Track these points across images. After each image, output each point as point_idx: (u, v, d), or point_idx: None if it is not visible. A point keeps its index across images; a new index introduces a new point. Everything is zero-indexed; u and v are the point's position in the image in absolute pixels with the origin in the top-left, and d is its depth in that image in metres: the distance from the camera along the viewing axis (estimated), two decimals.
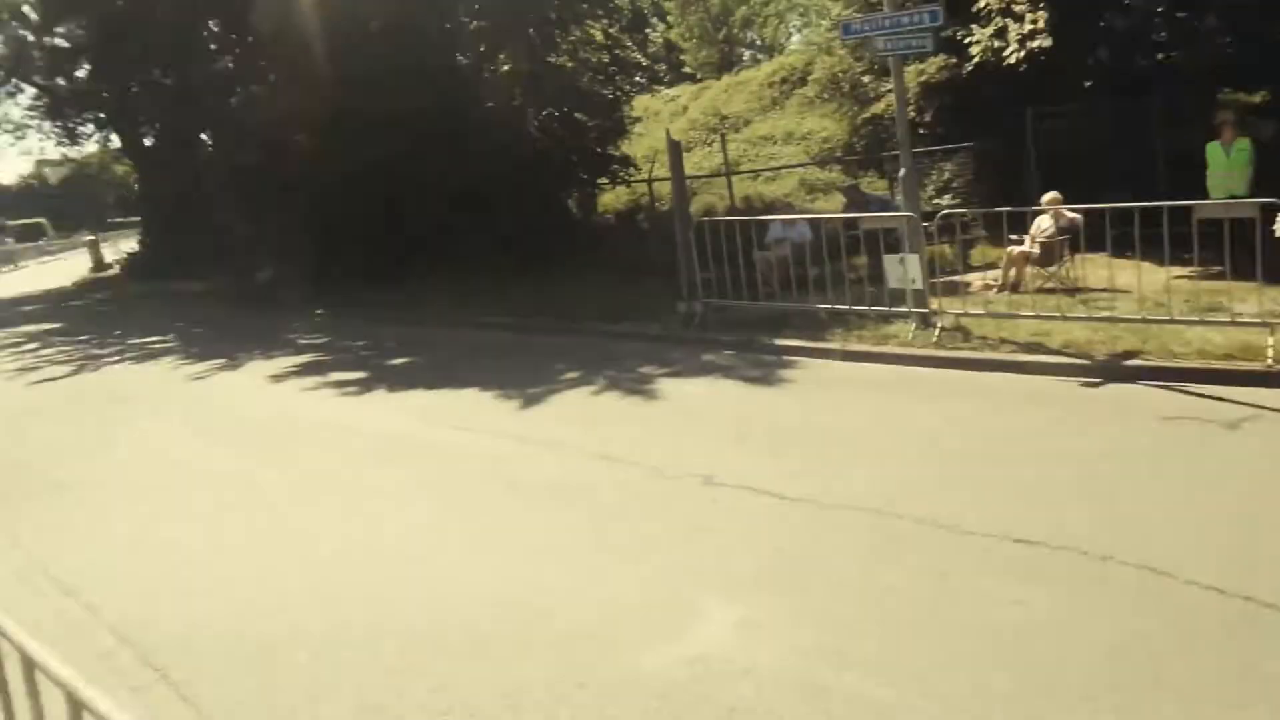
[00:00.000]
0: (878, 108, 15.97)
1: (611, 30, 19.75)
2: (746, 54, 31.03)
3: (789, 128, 18.61)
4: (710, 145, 19.93)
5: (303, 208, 18.56)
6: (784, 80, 21.04)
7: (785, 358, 9.39)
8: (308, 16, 17.80)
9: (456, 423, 7.98)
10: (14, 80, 31.32)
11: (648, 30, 26.93)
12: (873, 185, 14.92)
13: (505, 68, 19.62)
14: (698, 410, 7.81)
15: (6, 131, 32.56)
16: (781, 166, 17.12)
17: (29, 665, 1.74)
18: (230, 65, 23.61)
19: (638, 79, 21.08)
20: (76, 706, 1.54)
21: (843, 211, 12.70)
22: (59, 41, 29.02)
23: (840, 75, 17.89)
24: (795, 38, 29.67)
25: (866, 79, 16.71)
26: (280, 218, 19.42)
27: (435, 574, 4.89)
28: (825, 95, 18.75)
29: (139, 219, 37.03)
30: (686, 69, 28.54)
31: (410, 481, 6.51)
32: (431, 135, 16.67)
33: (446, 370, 10.31)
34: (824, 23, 19.19)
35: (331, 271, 17.80)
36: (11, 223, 62.10)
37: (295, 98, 18.44)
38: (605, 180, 19.68)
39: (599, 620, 4.26)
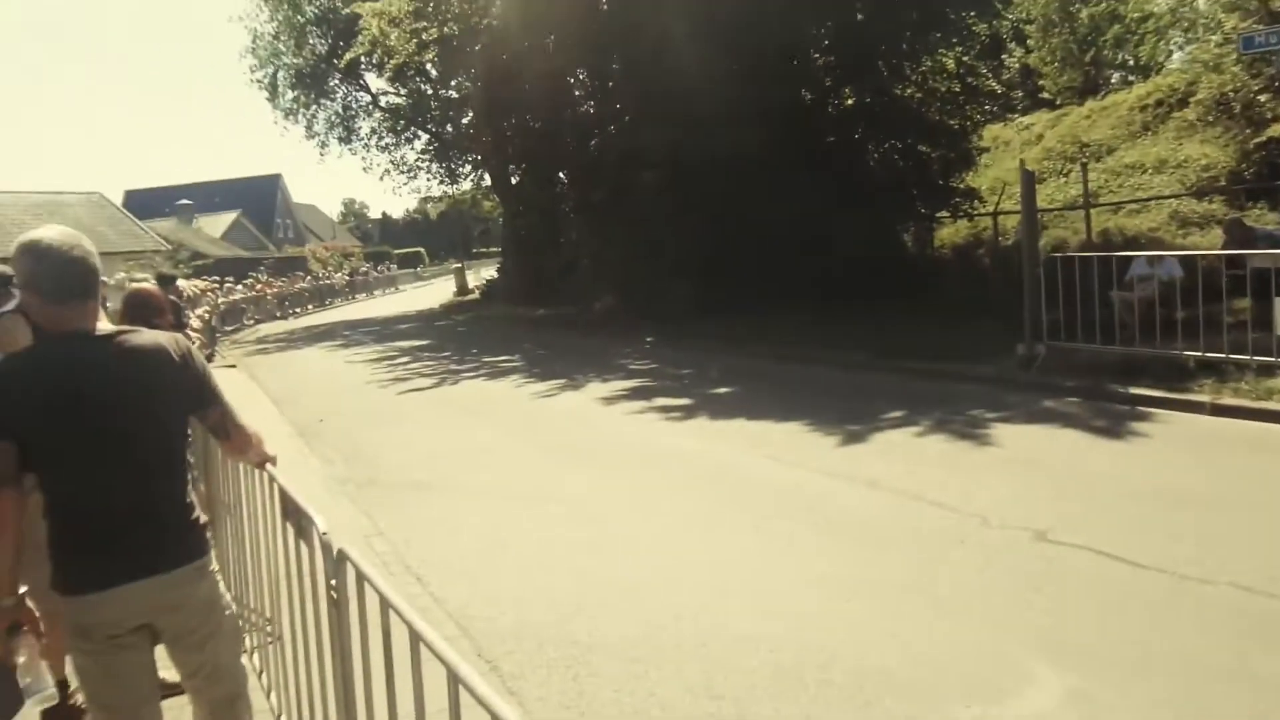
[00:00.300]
0: (1275, 130, 13.97)
1: (965, 58, 18.98)
2: (1115, 76, 28.42)
3: (1161, 155, 16.70)
4: (1066, 176, 18.42)
5: (642, 241, 19.64)
6: (1159, 103, 18.95)
7: (1139, 409, 8.44)
8: (663, 61, 18.91)
9: (775, 454, 7.98)
10: (413, 128, 36.38)
11: (1003, 56, 25.55)
12: (1261, 218, 12.99)
13: (849, 101, 19.54)
14: (1033, 459, 7.19)
15: (402, 172, 37.68)
16: (1150, 198, 15.39)
17: (415, 640, 1.94)
18: (591, 109, 25.69)
19: (990, 106, 20.01)
20: (454, 682, 1.70)
21: (1223, 248, 11.15)
22: (450, 93, 33.27)
23: (1230, 95, 15.89)
24: (1176, 56, 26.70)
25: (1263, 98, 14.70)
26: (621, 250, 20.71)
27: (744, 602, 4.89)
28: (1209, 118, 16.67)
29: (499, 250, 41.37)
30: (1044, 94, 26.69)
31: (727, 507, 6.59)
32: (769, 170, 16.97)
33: (768, 402, 10.37)
34: (1214, 38, 17.08)
35: (665, 301, 18.64)
36: (396, 251, 72.29)
37: (643, 137, 19.63)
38: (946, 213, 18.89)
39: (912, 669, 4.03)
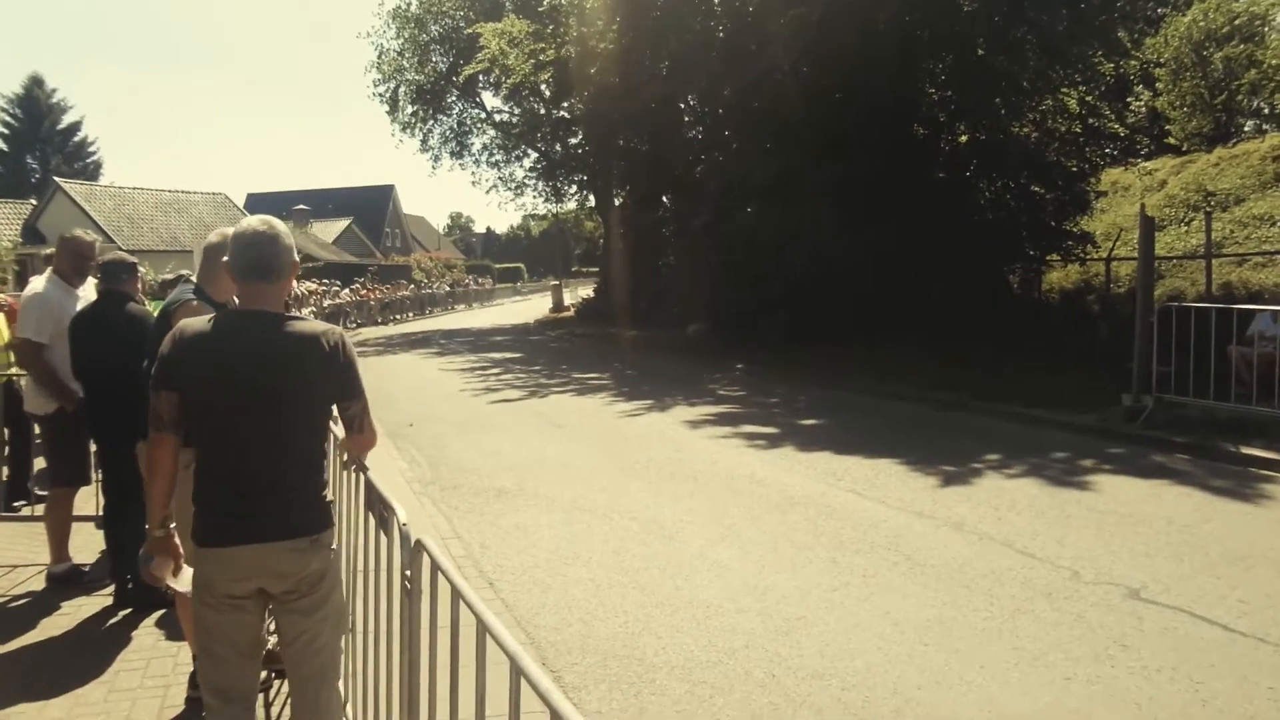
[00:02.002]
0: None
1: (1089, 98, 18.43)
2: (1249, 124, 27.16)
3: None
4: (1188, 224, 17.67)
5: (739, 268, 19.60)
6: None
7: (1253, 470, 8.04)
8: (774, 90, 18.93)
9: (860, 489, 7.84)
10: (523, 146, 37.21)
11: (1129, 99, 24.71)
12: None
13: (963, 138, 19.19)
14: (1131, 514, 6.88)
15: (509, 188, 38.57)
16: (1278, 251, 14.64)
17: (481, 632, 1.99)
18: (699, 135, 25.85)
19: (1111, 149, 19.35)
20: (517, 675, 1.74)
21: None
22: (562, 114, 33.94)
23: None
24: None
25: None
26: (717, 276, 20.71)
27: (817, 636, 4.81)
28: None
29: (597, 269, 41.83)
30: (1170, 140, 25.68)
31: (805, 538, 6.50)
32: (872, 205, 16.77)
33: (855, 436, 10.20)
34: None
35: (758, 329, 18.55)
36: (497, 265, 73.88)
37: (748, 166, 19.65)
38: (1056, 257, 18.33)
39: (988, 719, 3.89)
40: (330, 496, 3.04)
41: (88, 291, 5.65)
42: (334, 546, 3.01)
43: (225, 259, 2.93)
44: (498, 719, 1.93)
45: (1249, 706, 3.95)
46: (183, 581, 2.94)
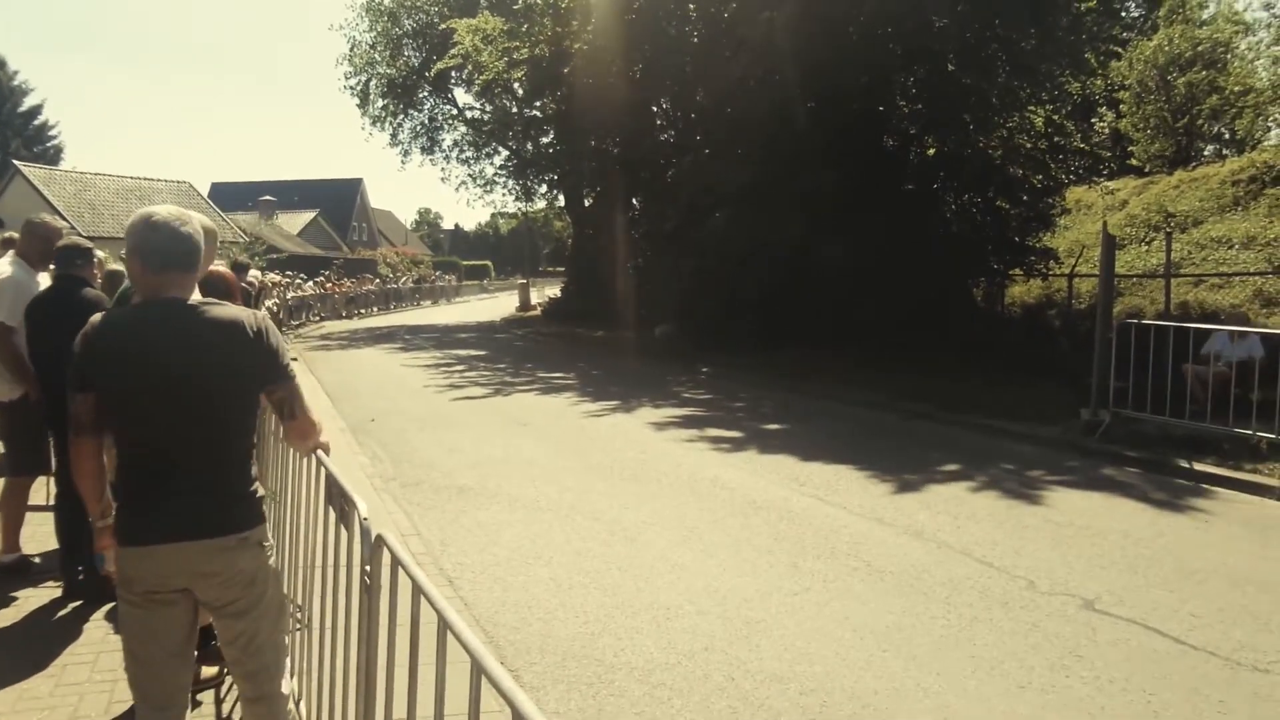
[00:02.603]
0: None
1: (1055, 116, 18.71)
2: (1209, 148, 27.76)
3: (1251, 231, 16.22)
4: (1148, 244, 18.01)
5: (707, 273, 19.67)
6: (1252, 179, 18.45)
7: (1204, 486, 8.21)
8: (746, 98, 19.02)
9: (821, 494, 7.88)
10: (494, 144, 37.06)
11: (1093, 120, 25.13)
12: None
13: (931, 151, 19.39)
14: (1088, 526, 6.98)
15: (479, 185, 38.40)
16: (1235, 273, 14.96)
17: (443, 630, 1.96)
18: (671, 138, 25.88)
19: (1075, 167, 19.66)
20: (478, 673, 1.72)
21: None
22: (534, 113, 33.85)
23: None
24: (1275, 132, 26.04)
25: None
26: (685, 280, 20.76)
27: (777, 640, 4.82)
28: None
29: (564, 269, 41.78)
30: (1133, 161, 26.16)
31: (766, 542, 6.51)
32: (842, 213, 16.89)
33: (819, 442, 10.26)
34: None
35: (724, 334, 18.61)
36: (464, 262, 73.50)
37: (720, 171, 19.71)
38: (1019, 271, 18.58)
39: None
40: (261, 492, 2.92)
41: (42, 278, 5.53)
42: (267, 543, 2.90)
43: (129, 249, 2.75)
44: (456, 717, 1.91)
45: (1199, 718, 4.02)
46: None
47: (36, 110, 59.43)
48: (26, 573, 5.39)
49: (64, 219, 28.90)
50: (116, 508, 2.79)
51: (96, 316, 2.76)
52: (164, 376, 2.61)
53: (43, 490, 5.93)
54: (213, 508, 2.72)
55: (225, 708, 3.91)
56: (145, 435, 2.68)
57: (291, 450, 3.72)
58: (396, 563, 2.35)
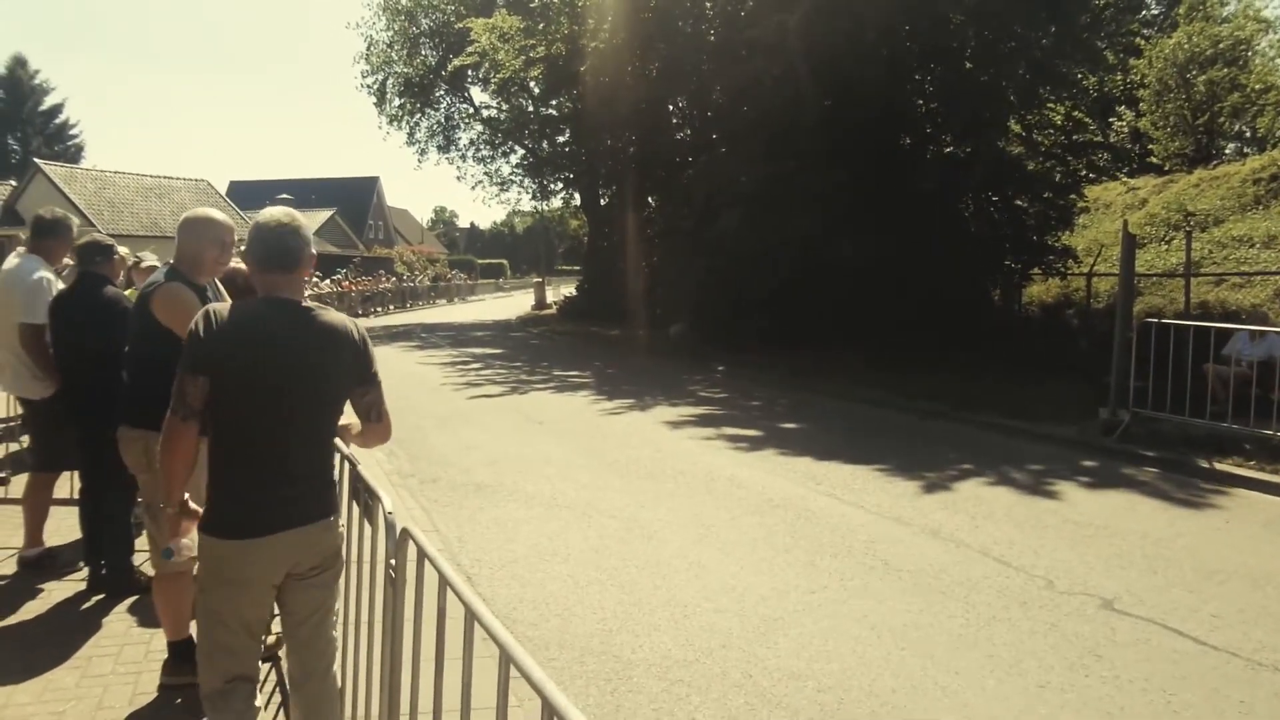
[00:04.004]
0: None
1: (1074, 113, 18.58)
2: (1230, 147, 27.54)
3: (1272, 230, 16.06)
4: (1168, 243, 17.87)
5: (723, 271, 19.65)
6: (1274, 177, 18.30)
7: (1224, 486, 8.15)
8: (763, 96, 18.99)
9: (837, 492, 7.88)
10: (510, 142, 37.12)
11: (1111, 119, 24.99)
12: None
13: (948, 149, 19.31)
14: (1107, 526, 6.94)
15: (495, 184, 38.48)
16: (1257, 272, 14.82)
17: (470, 621, 2.01)
18: (687, 136, 25.88)
19: (1097, 160, 19.48)
20: (507, 663, 1.75)
21: None
22: (550, 111, 33.90)
23: None
24: None
25: None
26: (701, 278, 20.75)
27: (794, 638, 4.82)
28: None
29: (580, 268, 41.77)
30: (1153, 159, 26.00)
31: (783, 540, 6.51)
32: (857, 213, 16.84)
33: (835, 440, 10.25)
34: None
35: (740, 333, 18.59)
36: (480, 261, 73.73)
37: (736, 170, 19.69)
38: (1037, 270, 18.47)
39: None
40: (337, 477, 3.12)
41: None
42: (342, 525, 3.09)
43: (244, 248, 2.95)
44: (483, 710, 1.93)
45: (1220, 718, 4.00)
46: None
47: (57, 109, 60.07)
48: (51, 566, 5.45)
49: (84, 217, 28.99)
50: (218, 501, 2.82)
51: (218, 305, 2.88)
52: (280, 371, 2.76)
53: (66, 485, 6.00)
54: (317, 494, 2.90)
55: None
56: (258, 427, 2.79)
57: None
58: (423, 555, 2.37)
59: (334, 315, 2.97)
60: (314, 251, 3.01)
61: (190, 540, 2.89)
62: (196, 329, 2.78)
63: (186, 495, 2.89)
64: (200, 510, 2.88)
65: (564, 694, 1.45)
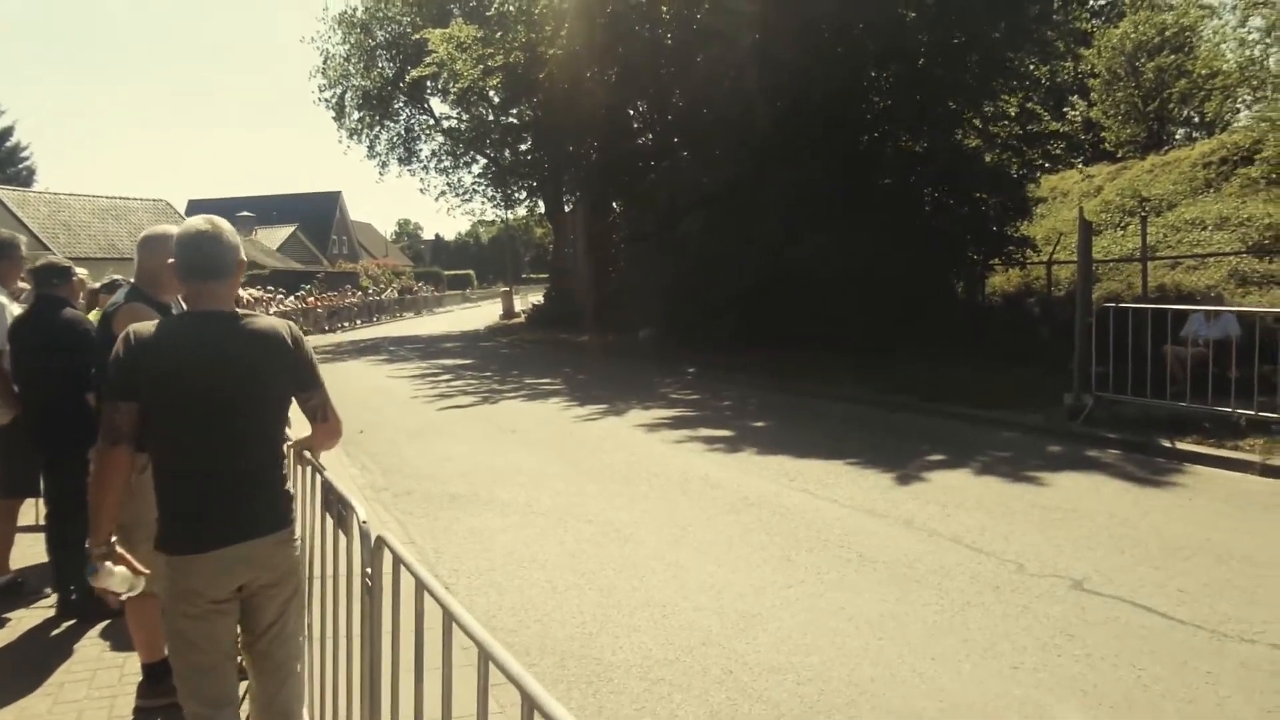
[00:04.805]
0: None
1: (1029, 104, 18.87)
2: (1179, 132, 28.08)
3: (1223, 212, 16.43)
4: (1124, 229, 18.20)
5: (689, 273, 19.72)
6: (1223, 160, 18.72)
7: (1185, 465, 8.33)
8: (721, 98, 19.11)
9: (810, 488, 7.94)
10: (472, 152, 36.97)
11: (1065, 109, 25.36)
12: None
13: (906, 144, 19.52)
14: (1074, 509, 7.07)
15: (458, 195, 38.24)
16: (1210, 254, 15.14)
17: (448, 623, 2.01)
18: (649, 141, 25.94)
19: (1052, 150, 19.77)
20: (485, 660, 1.77)
21: None
22: (511, 120, 33.81)
23: None
24: (1243, 114, 26.32)
25: None
26: (667, 281, 20.82)
27: (772, 632, 4.86)
28: (1274, 176, 16.41)
29: (547, 276, 41.67)
30: (1106, 147, 26.46)
31: (759, 537, 6.56)
32: (818, 211, 16.98)
33: (807, 437, 10.33)
34: None
35: (708, 334, 18.67)
36: (446, 272, 73.49)
37: (698, 172, 19.77)
38: (998, 261, 18.73)
39: (940, 711, 3.98)
40: (291, 489, 3.06)
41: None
42: (297, 538, 3.02)
43: (170, 260, 2.87)
44: (465, 718, 1.94)
45: (1188, 690, 4.09)
46: (135, 586, 2.83)
47: (8, 132, 58.92)
48: (18, 594, 5.37)
49: (39, 240, 28.41)
50: (166, 521, 2.76)
51: (139, 325, 2.80)
52: (210, 387, 2.69)
53: (31, 511, 5.92)
54: (265, 505, 2.84)
55: None
56: (195, 443, 2.72)
57: (288, 460, 3.74)
58: (399, 562, 2.38)
59: (265, 321, 2.89)
60: (242, 258, 2.92)
61: (120, 570, 2.73)
62: (118, 353, 2.70)
63: (114, 539, 2.75)
64: (127, 555, 2.78)
65: (554, 699, 1.47)
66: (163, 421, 2.71)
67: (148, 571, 2.81)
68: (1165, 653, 4.46)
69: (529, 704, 1.48)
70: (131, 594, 2.86)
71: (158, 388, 2.67)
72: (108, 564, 2.73)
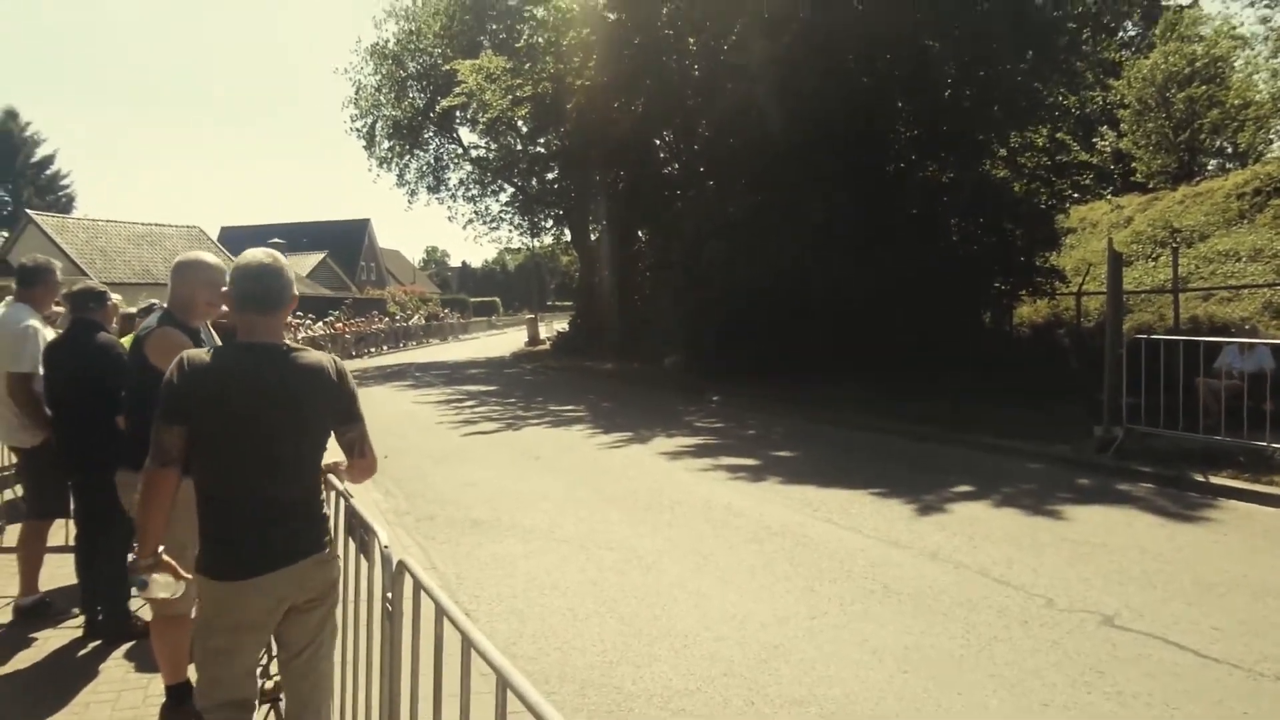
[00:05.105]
0: None
1: (1058, 134, 18.80)
2: (1212, 163, 27.84)
3: (1257, 243, 16.25)
4: (1155, 260, 18.03)
5: (714, 302, 19.74)
6: (1257, 191, 18.52)
7: (1219, 499, 8.17)
8: (748, 128, 19.20)
9: (834, 518, 7.87)
10: (499, 181, 37.35)
11: (1094, 140, 25.25)
12: None
13: (934, 173, 19.51)
14: (1105, 543, 6.95)
15: (485, 223, 38.58)
16: (1244, 285, 14.95)
17: (467, 650, 2.02)
18: (675, 170, 26.09)
19: (1081, 180, 19.64)
20: (504, 688, 1.80)
21: None
22: (538, 149, 34.15)
23: None
24: (1278, 145, 26.10)
25: None
26: (692, 310, 20.84)
27: (795, 664, 4.80)
28: None
29: (572, 303, 41.80)
30: (1136, 178, 26.26)
31: (782, 567, 6.50)
32: (849, 240, 16.97)
33: (832, 467, 10.26)
34: None
35: (731, 363, 18.64)
36: (473, 299, 74.11)
37: (723, 201, 19.84)
38: (1026, 292, 18.60)
39: None
40: (328, 512, 3.15)
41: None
42: (337, 556, 3.10)
43: (225, 289, 2.97)
44: None
45: None
46: (176, 591, 2.92)
47: (49, 160, 60.44)
48: (46, 614, 5.41)
49: (76, 266, 29.01)
50: (207, 546, 2.85)
51: (192, 352, 2.90)
52: (256, 415, 2.78)
53: (60, 532, 5.98)
54: (307, 530, 2.92)
55: None
56: (237, 470, 2.80)
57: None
58: (419, 587, 2.38)
59: (313, 355, 2.99)
60: (295, 293, 3.04)
61: (164, 578, 2.85)
62: (171, 377, 2.81)
63: (161, 549, 2.86)
64: (172, 562, 2.88)
65: None
66: (208, 447, 2.80)
67: (190, 576, 2.89)
68: (1199, 692, 4.36)
69: None
70: (174, 598, 2.97)
71: (205, 413, 2.76)
72: (154, 575, 2.83)
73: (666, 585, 6.17)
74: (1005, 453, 10.69)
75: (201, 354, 2.88)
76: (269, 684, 4.02)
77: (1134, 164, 26.26)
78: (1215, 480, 8.53)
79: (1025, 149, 19.00)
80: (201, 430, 2.77)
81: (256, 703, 3.11)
